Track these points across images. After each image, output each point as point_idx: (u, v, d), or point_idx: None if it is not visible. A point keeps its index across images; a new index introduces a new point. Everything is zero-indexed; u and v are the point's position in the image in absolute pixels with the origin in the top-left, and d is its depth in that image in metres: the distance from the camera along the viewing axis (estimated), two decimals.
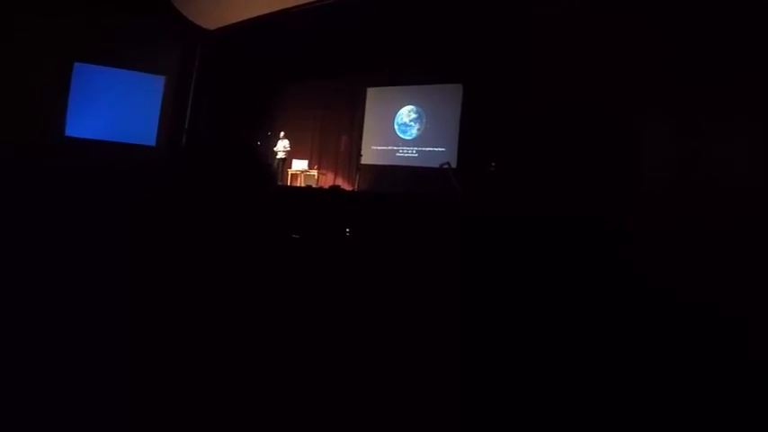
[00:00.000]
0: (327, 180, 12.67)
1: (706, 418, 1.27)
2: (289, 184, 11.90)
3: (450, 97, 11.11)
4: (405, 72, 11.68)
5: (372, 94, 12.66)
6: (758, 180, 3.40)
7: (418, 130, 11.84)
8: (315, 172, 12.54)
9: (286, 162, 12.29)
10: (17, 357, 1.29)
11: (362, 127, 12.68)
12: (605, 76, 4.07)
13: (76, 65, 11.46)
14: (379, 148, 12.32)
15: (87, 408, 1.22)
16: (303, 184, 11.96)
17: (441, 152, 11.03)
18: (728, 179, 3.59)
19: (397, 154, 12.05)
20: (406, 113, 12.04)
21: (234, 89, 12.88)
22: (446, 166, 9.17)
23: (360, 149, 12.33)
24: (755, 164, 3.45)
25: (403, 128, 12.06)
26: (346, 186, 11.84)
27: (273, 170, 11.81)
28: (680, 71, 3.86)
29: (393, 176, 11.65)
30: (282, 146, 12.31)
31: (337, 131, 13.12)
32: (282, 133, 12.46)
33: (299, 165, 12.43)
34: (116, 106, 11.84)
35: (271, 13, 11.27)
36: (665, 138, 3.89)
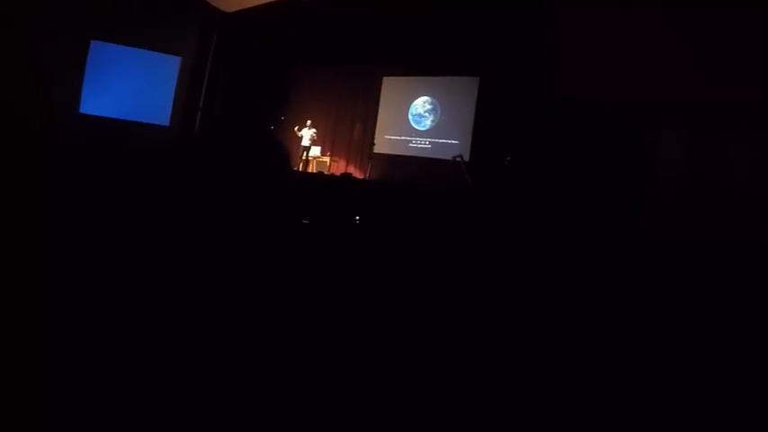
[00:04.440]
0: (339, 167, 12.67)
1: (715, 419, 1.24)
2: (302, 170, 11.90)
3: (466, 90, 11.04)
4: (421, 62, 11.60)
5: (388, 84, 12.60)
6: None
7: (432, 121, 11.79)
8: (327, 158, 12.54)
9: (308, 149, 12.27)
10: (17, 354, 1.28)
11: (377, 116, 12.63)
12: (626, 74, 4.04)
13: (93, 43, 11.48)
14: (392, 137, 12.29)
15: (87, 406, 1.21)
16: (315, 170, 11.96)
17: (454, 144, 10.98)
18: (741, 182, 3.56)
19: (410, 144, 12.01)
20: (421, 104, 11.99)
21: (249, 73, 12.88)
22: (459, 159, 9.12)
23: (373, 138, 12.30)
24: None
25: (417, 118, 12.02)
26: (358, 174, 11.82)
27: (287, 154, 11.81)
28: (702, 71, 3.83)
29: (405, 166, 11.62)
30: (310, 134, 12.29)
31: (351, 119, 13.09)
32: (309, 122, 12.41)
33: (311, 151, 12.43)
34: (131, 85, 11.86)
35: None
36: (683, 140, 3.86)
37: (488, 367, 1.19)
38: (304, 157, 12.23)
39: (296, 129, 12.32)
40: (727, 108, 3.69)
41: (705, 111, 3.79)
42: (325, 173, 11.69)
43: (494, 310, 1.26)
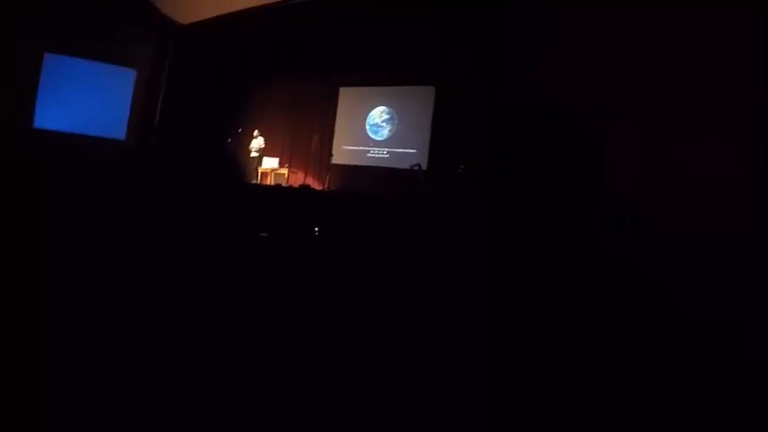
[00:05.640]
0: (298, 179, 12.65)
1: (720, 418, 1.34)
2: (259, 182, 11.87)
3: (422, 99, 11.17)
4: (377, 73, 11.71)
5: (345, 94, 12.68)
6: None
7: (390, 131, 11.89)
8: (285, 170, 12.51)
9: (259, 160, 12.27)
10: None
11: (334, 126, 12.68)
12: (626, 74, 4.10)
13: (46, 55, 11.33)
14: (350, 147, 12.35)
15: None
16: (273, 183, 11.93)
17: (412, 153, 11.09)
18: (741, 182, 3.60)
19: (368, 154, 12.09)
20: (378, 114, 12.08)
21: (206, 85, 12.83)
22: (416, 168, 9.24)
23: (331, 149, 12.34)
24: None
25: (374, 128, 12.10)
26: (316, 186, 11.84)
27: (242, 168, 11.80)
28: (702, 71, 3.88)
29: (363, 177, 11.68)
30: (257, 144, 12.29)
31: (309, 130, 13.08)
32: (257, 131, 12.43)
33: (269, 163, 12.39)
34: (86, 98, 11.73)
35: (245, 9, 11.25)
36: (683, 140, 3.91)
37: (487, 369, 1.26)
38: (254, 168, 12.22)
39: (248, 144, 12.34)
40: (727, 108, 3.74)
41: (705, 111, 3.84)
42: (284, 185, 11.67)
43: (483, 313, 1.33)
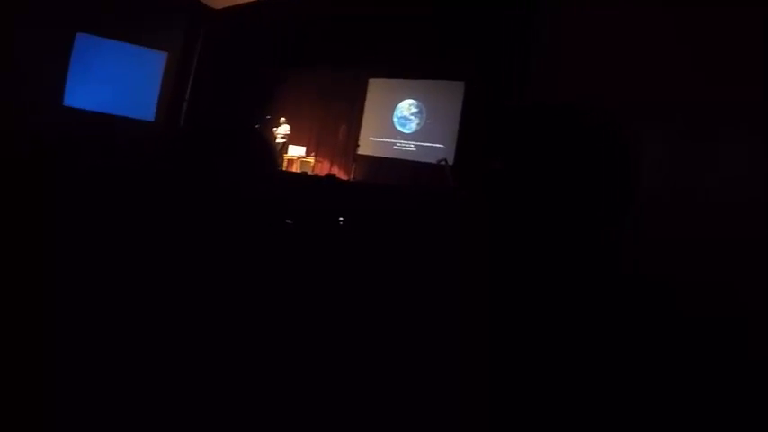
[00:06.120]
0: (323, 168, 12.65)
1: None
2: (284, 169, 11.88)
3: (451, 94, 11.08)
4: (408, 65, 11.62)
5: (374, 86, 12.62)
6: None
7: (418, 124, 11.82)
8: (311, 159, 12.52)
9: (284, 147, 12.28)
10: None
11: (362, 117, 12.64)
12: (626, 74, 4.06)
13: (78, 35, 11.40)
14: (377, 139, 12.30)
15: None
16: (299, 170, 11.94)
17: (439, 148, 11.02)
18: (741, 182, 3.57)
19: (395, 147, 12.03)
20: (407, 107, 12.02)
21: (236, 71, 12.85)
22: (443, 163, 9.16)
23: (357, 140, 12.31)
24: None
25: (402, 121, 12.04)
26: (342, 176, 11.82)
27: (276, 154, 11.80)
28: (702, 71, 3.85)
29: (389, 169, 11.62)
30: (283, 131, 12.29)
31: (336, 120, 13.07)
32: (283, 119, 12.44)
33: (296, 150, 12.41)
34: (116, 79, 11.80)
35: None
36: (682, 140, 3.88)
37: (487, 368, 1.21)
38: (282, 156, 12.22)
39: (273, 129, 12.32)
40: (727, 108, 3.71)
41: (705, 111, 3.81)
42: (309, 173, 11.68)
43: (487, 310, 1.28)
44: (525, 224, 1.42)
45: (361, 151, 12.13)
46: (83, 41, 11.45)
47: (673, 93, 3.91)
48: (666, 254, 3.13)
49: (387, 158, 12.01)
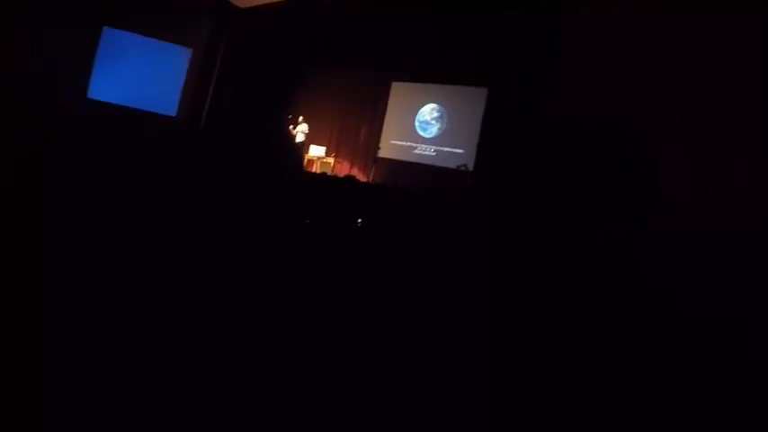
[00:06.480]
0: (343, 169, 12.66)
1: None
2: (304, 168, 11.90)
3: (473, 100, 11.01)
4: (431, 70, 11.59)
5: (396, 89, 12.60)
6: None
7: (439, 129, 11.78)
8: (331, 159, 12.54)
9: (303, 146, 12.30)
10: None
11: (383, 120, 12.62)
12: (626, 74, 4.07)
13: (105, 29, 11.51)
14: (397, 142, 12.28)
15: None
16: (318, 170, 11.96)
17: (459, 154, 10.97)
18: (740, 182, 3.58)
19: (415, 151, 12.00)
20: (429, 111, 11.98)
21: (259, 69, 12.89)
22: (463, 168, 9.12)
23: (378, 142, 12.29)
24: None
25: (424, 125, 12.01)
26: (361, 177, 11.82)
27: (301, 153, 11.83)
28: (702, 71, 3.86)
29: (408, 172, 11.60)
30: (301, 129, 12.31)
31: (357, 122, 13.08)
32: (302, 117, 12.46)
33: (316, 151, 12.43)
34: (141, 74, 11.91)
35: None
36: (682, 140, 3.89)
37: (488, 367, 1.19)
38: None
39: (292, 128, 12.34)
40: (727, 108, 3.72)
41: (705, 111, 3.83)
42: (329, 173, 11.68)
43: (494, 311, 1.26)
44: (539, 229, 1.40)
45: (381, 154, 12.11)
46: (109, 35, 11.56)
47: (673, 92, 3.92)
48: (666, 253, 3.13)
49: (406, 162, 11.98)
